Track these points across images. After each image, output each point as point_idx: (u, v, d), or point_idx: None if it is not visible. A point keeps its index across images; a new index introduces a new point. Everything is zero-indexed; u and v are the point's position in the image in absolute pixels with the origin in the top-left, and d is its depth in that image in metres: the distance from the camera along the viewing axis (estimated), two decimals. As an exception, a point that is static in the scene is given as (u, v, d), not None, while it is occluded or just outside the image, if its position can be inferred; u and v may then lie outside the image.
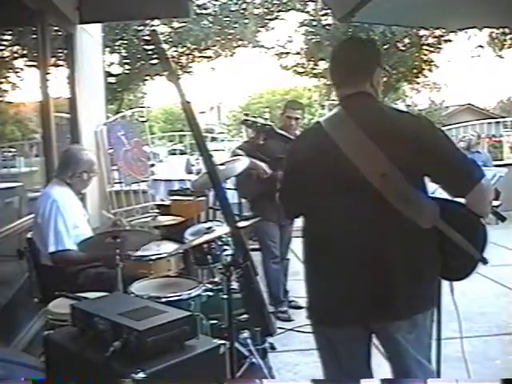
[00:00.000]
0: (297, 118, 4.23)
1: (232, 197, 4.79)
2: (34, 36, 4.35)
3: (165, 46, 1.65)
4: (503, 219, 2.39)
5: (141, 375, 1.61)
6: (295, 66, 18.19)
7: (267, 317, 1.77)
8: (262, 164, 4.02)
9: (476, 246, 1.87)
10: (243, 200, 4.70)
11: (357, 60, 1.97)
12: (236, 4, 16.05)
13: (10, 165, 6.50)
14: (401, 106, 23.29)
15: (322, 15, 15.98)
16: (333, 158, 1.86)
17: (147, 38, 13.96)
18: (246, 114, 4.00)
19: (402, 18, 3.66)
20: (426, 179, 1.90)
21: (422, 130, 1.84)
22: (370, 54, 2.02)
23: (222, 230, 3.10)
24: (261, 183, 4.00)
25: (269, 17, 16.54)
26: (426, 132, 1.84)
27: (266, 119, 3.98)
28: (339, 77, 2.01)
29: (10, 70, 6.71)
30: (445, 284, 2.05)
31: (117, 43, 15.19)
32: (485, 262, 1.88)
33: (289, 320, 4.11)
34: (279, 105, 4.84)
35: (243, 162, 3.73)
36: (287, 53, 17.74)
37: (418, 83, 19.83)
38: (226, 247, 3.11)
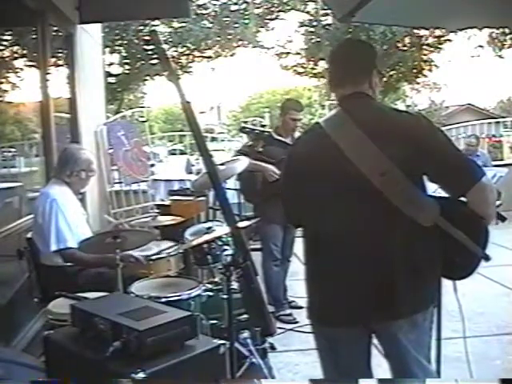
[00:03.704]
0: (299, 120, 4.21)
1: (232, 197, 4.80)
2: (34, 36, 4.35)
3: (165, 46, 1.65)
4: (503, 219, 2.39)
5: (141, 375, 1.62)
6: (295, 66, 18.21)
7: (267, 317, 1.77)
8: (270, 166, 4.01)
9: (478, 243, 1.87)
10: (243, 200, 4.70)
11: (355, 60, 1.99)
12: (236, 4, 16.06)
13: (10, 165, 6.49)
14: (401, 106, 23.31)
15: (322, 15, 16.00)
16: (333, 159, 1.86)
17: (147, 38, 13.96)
18: (245, 122, 4.04)
19: (402, 18, 3.66)
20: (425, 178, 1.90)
21: (421, 129, 1.84)
22: (368, 55, 2.04)
23: (221, 230, 3.10)
24: (266, 186, 3.99)
25: (269, 17, 16.55)
26: (425, 131, 1.85)
27: (263, 125, 3.99)
28: (338, 77, 2.02)
29: (10, 70, 6.70)
30: (445, 284, 2.05)
31: (117, 43, 15.19)
32: (487, 258, 1.88)
33: (294, 322, 4.10)
34: (279, 105, 4.85)
35: (243, 162, 3.73)
36: (287, 53, 17.76)
37: (418, 83, 19.86)
38: (226, 247, 3.11)
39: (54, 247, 3.12)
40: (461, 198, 1.86)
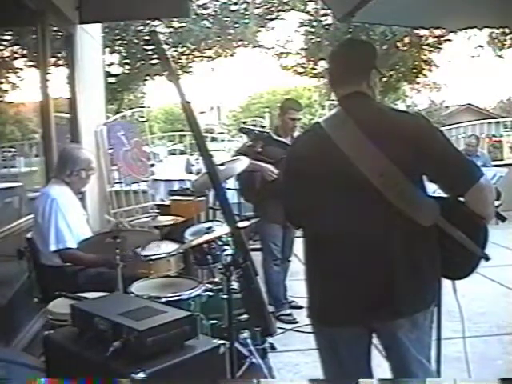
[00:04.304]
0: (299, 119, 4.22)
1: (232, 197, 4.79)
2: (34, 36, 4.35)
3: (165, 47, 1.65)
4: (503, 219, 2.39)
5: (141, 375, 1.62)
6: (295, 66, 18.21)
7: (267, 317, 1.77)
8: (268, 165, 4.01)
9: (477, 243, 1.87)
10: (243, 200, 4.70)
11: (354, 60, 1.99)
12: (236, 4, 16.06)
13: (10, 165, 6.50)
14: (401, 106, 23.31)
15: (322, 15, 15.99)
16: (333, 159, 1.86)
17: (147, 38, 13.94)
18: (244, 122, 4.04)
19: (402, 18, 3.66)
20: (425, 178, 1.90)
21: (420, 129, 1.84)
22: (368, 54, 2.03)
23: (221, 230, 3.10)
24: (265, 185, 3.99)
25: (269, 17, 16.55)
26: (424, 131, 1.85)
27: (263, 126, 3.98)
28: (337, 77, 2.03)
29: (10, 70, 6.70)
30: (446, 284, 2.05)
31: (117, 43, 15.19)
32: (487, 258, 1.89)
33: (294, 322, 4.10)
34: (279, 105, 4.84)
35: (243, 162, 3.73)
36: (287, 53, 17.76)
37: (418, 83, 19.84)
38: (226, 247, 3.11)
39: (53, 247, 3.12)
40: (460, 198, 1.87)
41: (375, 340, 1.98)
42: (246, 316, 2.64)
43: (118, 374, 1.66)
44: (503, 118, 13.77)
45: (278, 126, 4.30)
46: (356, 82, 1.95)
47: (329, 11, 12.35)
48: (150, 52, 14.71)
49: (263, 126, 4.23)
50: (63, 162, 3.37)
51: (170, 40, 15.56)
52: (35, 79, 4.33)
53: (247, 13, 15.89)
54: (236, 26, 15.81)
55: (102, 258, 3.07)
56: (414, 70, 17.66)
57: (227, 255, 3.02)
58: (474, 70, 37.68)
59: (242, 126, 4.07)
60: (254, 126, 4.27)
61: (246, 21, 15.81)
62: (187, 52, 16.63)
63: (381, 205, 1.79)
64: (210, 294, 2.94)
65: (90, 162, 3.39)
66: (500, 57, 16.62)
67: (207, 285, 3.03)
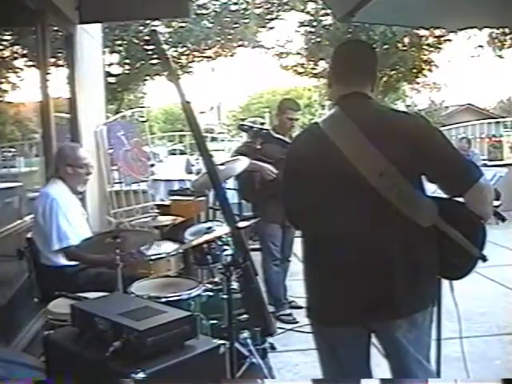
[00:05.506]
0: (296, 119, 4.23)
1: (232, 197, 4.79)
2: (34, 36, 4.35)
3: (165, 46, 1.65)
4: (503, 219, 2.40)
5: (141, 375, 1.62)
6: (295, 66, 18.21)
7: (267, 317, 1.78)
8: (268, 165, 4.01)
9: (475, 244, 1.87)
10: (244, 201, 4.70)
11: (360, 60, 1.99)
12: (236, 4, 16.05)
13: (10, 165, 6.49)
14: (401, 106, 23.32)
15: (322, 15, 15.98)
16: (331, 159, 1.86)
17: (147, 38, 13.91)
18: (243, 119, 4.04)
19: (402, 18, 3.66)
20: (424, 178, 1.90)
21: (419, 129, 1.84)
22: (372, 56, 2.05)
23: (221, 230, 3.10)
24: (265, 185, 3.99)
25: (269, 17, 16.55)
26: (423, 131, 1.85)
27: (262, 123, 3.97)
28: (341, 75, 2.02)
29: (10, 70, 6.69)
30: (445, 284, 2.05)
31: (117, 43, 15.18)
32: (484, 259, 1.88)
33: (294, 322, 4.10)
34: (277, 104, 4.86)
35: (243, 162, 3.73)
36: (287, 53, 17.76)
37: (418, 83, 19.85)
38: (225, 247, 3.11)
39: (56, 246, 3.12)
40: (458, 198, 1.87)
41: (375, 340, 1.98)
42: (246, 316, 2.64)
43: (118, 374, 1.66)
44: (503, 117, 13.79)
45: (276, 126, 4.30)
46: (358, 83, 1.95)
47: (329, 11, 12.35)
48: (150, 52, 14.69)
49: (263, 123, 4.24)
50: (53, 161, 3.39)
51: (170, 40, 15.55)
52: (35, 79, 4.33)
53: (247, 13, 15.88)
54: (236, 25, 15.80)
55: (105, 257, 3.07)
56: (414, 70, 17.65)
57: (227, 255, 3.02)
58: (474, 70, 37.76)
59: (242, 123, 4.06)
60: (254, 123, 4.25)
61: (246, 21, 15.81)
62: (187, 52, 16.61)
63: (379, 205, 1.79)
64: (210, 293, 2.94)
65: (75, 157, 3.33)
66: (500, 57, 16.62)
67: (207, 285, 3.03)
